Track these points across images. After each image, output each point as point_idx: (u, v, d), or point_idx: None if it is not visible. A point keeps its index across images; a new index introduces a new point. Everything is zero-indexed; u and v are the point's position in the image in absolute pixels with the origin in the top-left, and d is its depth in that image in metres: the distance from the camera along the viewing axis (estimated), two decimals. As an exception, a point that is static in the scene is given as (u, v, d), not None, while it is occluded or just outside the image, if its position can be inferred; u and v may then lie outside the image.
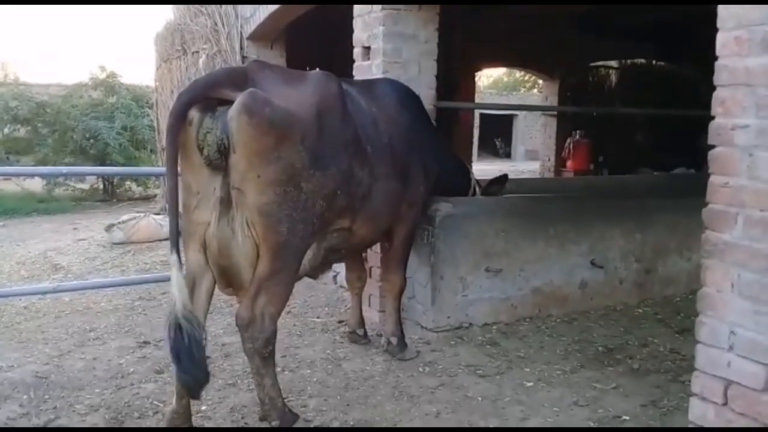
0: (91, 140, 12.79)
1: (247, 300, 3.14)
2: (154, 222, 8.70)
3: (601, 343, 4.51)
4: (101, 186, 13.87)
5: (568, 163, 12.52)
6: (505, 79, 38.42)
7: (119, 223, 8.47)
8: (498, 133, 29.84)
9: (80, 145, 12.82)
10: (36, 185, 13.14)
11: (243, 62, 6.97)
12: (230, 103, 2.93)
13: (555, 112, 13.26)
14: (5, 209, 11.48)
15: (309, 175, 3.10)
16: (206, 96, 2.96)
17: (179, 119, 2.90)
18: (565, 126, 13.00)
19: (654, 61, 14.11)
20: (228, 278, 3.17)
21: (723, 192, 2.58)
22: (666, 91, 12.99)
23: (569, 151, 12.51)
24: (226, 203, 3.03)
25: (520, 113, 28.72)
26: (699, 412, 2.67)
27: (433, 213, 4.49)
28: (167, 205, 3.00)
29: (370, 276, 4.69)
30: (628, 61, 14.18)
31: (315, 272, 3.69)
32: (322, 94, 3.25)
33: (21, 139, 13.63)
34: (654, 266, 5.44)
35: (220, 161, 2.96)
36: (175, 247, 2.97)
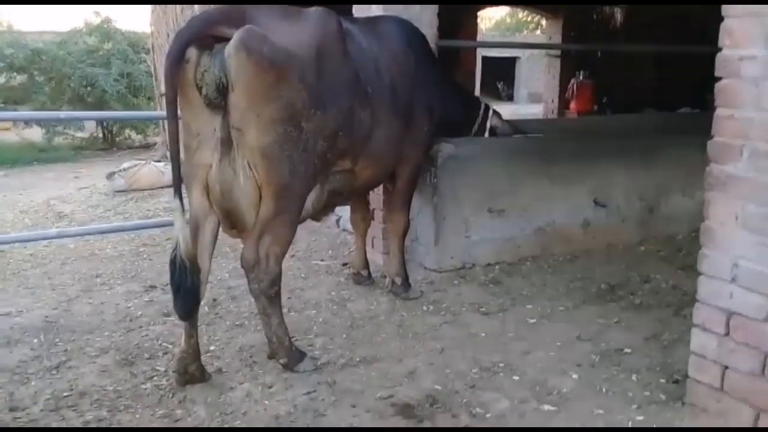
0: (89, 87, 12.62)
1: (252, 241, 3.16)
2: (155, 169, 8.67)
3: (604, 280, 4.55)
4: (101, 134, 13.75)
5: (572, 105, 12.40)
6: (508, 20, 37.63)
7: (120, 170, 8.44)
8: (500, 75, 29.40)
9: (77, 92, 12.66)
10: (36, 134, 13.04)
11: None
12: (227, 40, 2.89)
13: (558, 53, 13.03)
14: (6, 159, 11.41)
15: (309, 114, 3.08)
16: (204, 34, 2.91)
17: (177, 59, 2.86)
18: (569, 67, 12.80)
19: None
20: (232, 220, 3.18)
21: (728, 124, 2.56)
22: (672, 29, 12.74)
23: (572, 92, 12.37)
24: (227, 144, 3.02)
25: (523, 56, 28.24)
26: (701, 342, 2.72)
27: (436, 153, 4.47)
28: (168, 151, 2.98)
29: (373, 218, 4.69)
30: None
31: (318, 215, 3.70)
32: (321, 32, 3.19)
33: (17, 88, 13.44)
34: (657, 204, 5.45)
35: (219, 100, 2.93)
36: (178, 191, 2.97)
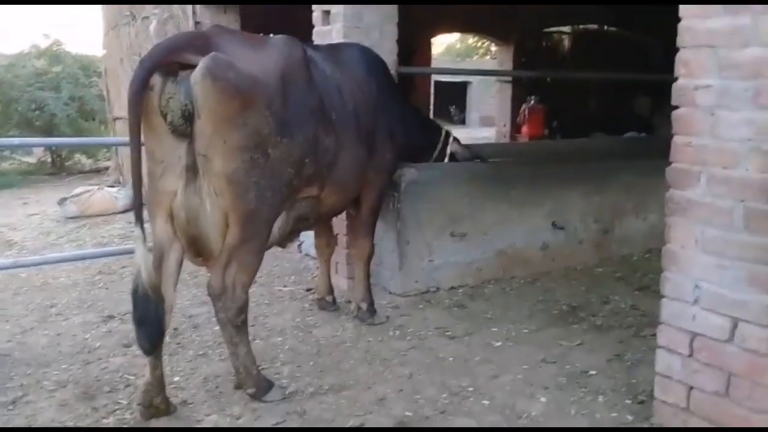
0: (37, 111, 12.34)
1: (218, 269, 3.12)
2: (108, 195, 8.51)
3: (565, 302, 4.63)
4: (49, 159, 13.43)
5: (523, 129, 12.65)
6: (458, 45, 38.34)
7: (72, 196, 8.26)
8: (452, 100, 29.86)
9: (25, 116, 12.36)
10: (-22, 160, 12.67)
11: (196, 28, 6.79)
12: (192, 67, 2.87)
13: (510, 78, 13.33)
14: (-52, 185, 11.05)
15: (276, 141, 3.08)
16: (168, 61, 2.88)
17: (141, 86, 2.82)
18: (520, 92, 13.10)
19: (606, 27, 14.27)
20: (197, 248, 3.14)
21: (686, 151, 2.65)
22: (617, 56, 13.19)
23: (524, 117, 12.63)
24: (192, 171, 2.98)
25: (474, 80, 28.79)
26: (665, 363, 2.79)
27: (399, 179, 4.51)
28: (131, 176, 2.93)
29: (337, 243, 4.69)
30: (581, 27, 14.31)
31: (284, 241, 3.68)
32: (286, 60, 3.21)
33: (-37, 112, 13.07)
34: (611, 227, 5.59)
35: (184, 127, 2.90)
36: (140, 219, 2.92)
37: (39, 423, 3.15)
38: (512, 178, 5.06)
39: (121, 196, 8.55)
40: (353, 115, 3.70)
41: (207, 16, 6.84)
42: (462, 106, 31.19)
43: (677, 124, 2.68)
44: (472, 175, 4.87)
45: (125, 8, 8.44)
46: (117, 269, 5.75)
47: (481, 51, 35.07)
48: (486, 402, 3.27)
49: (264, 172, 3.05)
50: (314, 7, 4.93)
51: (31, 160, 13.41)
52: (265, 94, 3.00)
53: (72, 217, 8.08)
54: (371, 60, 4.18)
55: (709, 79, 2.53)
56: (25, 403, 3.35)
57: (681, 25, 2.63)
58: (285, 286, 5.14)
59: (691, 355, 2.66)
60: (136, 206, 2.93)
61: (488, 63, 30.68)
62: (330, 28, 4.75)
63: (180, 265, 3.18)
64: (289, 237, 3.69)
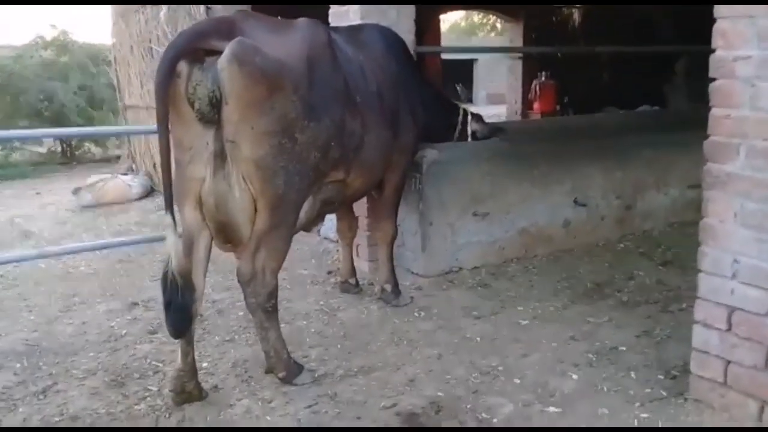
0: (46, 102, 12.31)
1: (248, 255, 3.11)
2: (123, 183, 8.50)
3: (589, 279, 4.61)
4: (59, 149, 13.43)
5: (535, 105, 12.58)
6: (462, 23, 38.03)
7: (87, 185, 8.24)
8: (459, 78, 29.64)
9: (35, 107, 12.33)
10: (-11, 151, 12.66)
11: (207, 14, 6.71)
12: (218, 53, 2.83)
13: (520, 55, 13.20)
14: (-41, 177, 11.07)
15: (303, 125, 3.04)
16: (194, 47, 2.85)
17: (168, 74, 2.78)
18: (531, 68, 12.98)
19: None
20: (226, 234, 3.12)
21: (725, 124, 2.60)
22: (626, 30, 13.03)
23: (536, 93, 12.53)
24: (220, 157, 2.95)
25: (481, 58, 28.53)
26: (702, 338, 2.76)
27: (420, 159, 4.47)
28: (161, 164, 2.90)
29: (358, 226, 4.66)
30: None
31: (309, 225, 3.65)
32: (311, 43, 3.16)
33: (-28, 105, 13.05)
34: (633, 202, 5.54)
35: (212, 114, 2.87)
36: (170, 206, 2.90)
37: (71, 411, 3.16)
38: (533, 155, 5.01)
39: (135, 184, 8.54)
40: (377, 96, 3.66)
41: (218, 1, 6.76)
42: (468, 84, 30.95)
43: (715, 96, 2.63)
44: (493, 153, 4.82)
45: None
46: (136, 257, 5.74)
47: (487, 28, 34.79)
48: (517, 381, 3.26)
49: (292, 157, 3.02)
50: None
51: (42, 150, 13.39)
52: (291, 78, 2.96)
53: (87, 206, 8.07)
54: (392, 40, 4.13)
55: (749, 50, 2.47)
56: (55, 392, 3.37)
57: (717, -5, 2.57)
58: (306, 270, 5.12)
59: (729, 330, 2.64)
60: (166, 193, 2.90)
61: (494, 40, 30.46)
62: (347, 8, 4.69)
63: (209, 251, 3.16)
64: (314, 221, 3.67)
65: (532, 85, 12.73)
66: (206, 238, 3.12)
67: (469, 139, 4.74)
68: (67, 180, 10.87)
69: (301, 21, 3.25)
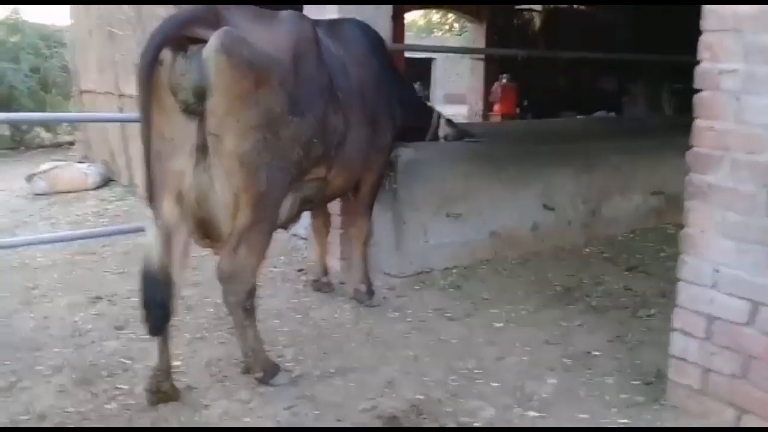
0: (-6, 83, 11.82)
1: (228, 252, 3.04)
2: (78, 171, 8.26)
3: (558, 283, 4.67)
4: (8, 133, 12.92)
5: (496, 107, 12.69)
6: (420, 22, 38.14)
7: (40, 172, 7.96)
8: (417, 76, 29.72)
9: (-18, 88, 11.83)
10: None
11: None
12: (202, 42, 2.75)
13: (482, 56, 13.31)
14: None
15: (287, 120, 2.99)
16: (179, 35, 2.76)
17: (152, 61, 2.69)
18: (492, 70, 13.10)
19: (575, 6, 14.35)
20: (206, 230, 3.05)
21: (708, 135, 2.66)
22: (585, 35, 13.29)
23: (497, 95, 12.65)
24: (202, 150, 2.88)
25: (439, 57, 28.65)
26: (680, 346, 2.82)
27: (395, 158, 4.45)
28: (143, 155, 2.80)
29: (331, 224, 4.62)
30: (551, 6, 14.35)
31: (287, 223, 3.59)
32: (297, 36, 3.11)
33: None
34: (598, 207, 5.64)
35: (195, 105, 2.79)
36: (151, 200, 2.82)
37: (38, 409, 3.04)
38: (504, 158, 5.06)
39: (92, 172, 8.30)
40: (359, 94, 3.62)
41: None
42: (426, 83, 31.08)
43: (699, 108, 2.69)
44: (467, 155, 4.84)
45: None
46: (97, 249, 5.57)
47: (445, 27, 34.97)
48: (495, 384, 3.27)
49: (275, 153, 2.96)
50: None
51: (-11, 133, 12.90)
52: (278, 72, 2.91)
53: (40, 194, 7.81)
54: (372, 37, 4.09)
55: (735, 64, 2.53)
56: (20, 389, 3.24)
57: (706, 8, 2.63)
58: (275, 267, 5.05)
59: (708, 338, 2.70)
60: (148, 186, 2.81)
61: (453, 39, 30.66)
62: (324, 6, 4.62)
63: (188, 247, 3.08)
64: (293, 219, 3.61)
65: (493, 87, 12.85)
66: (184, 234, 3.03)
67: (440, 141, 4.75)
68: (16, 165, 10.48)
69: (286, 13, 3.19)
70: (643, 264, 5.08)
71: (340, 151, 3.48)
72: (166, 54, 2.74)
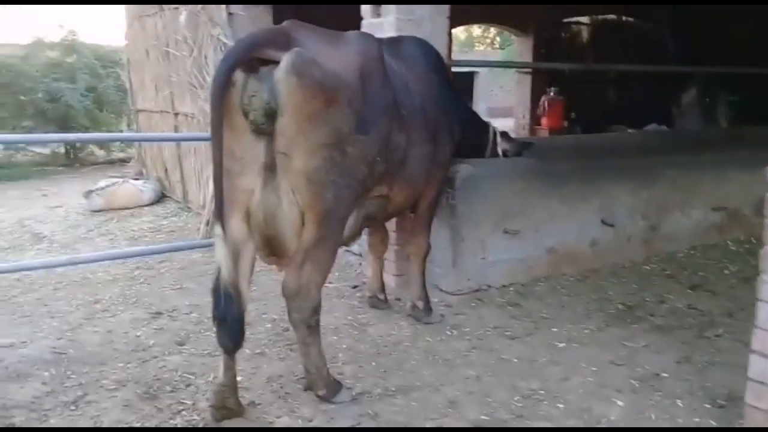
0: (52, 103, 12.17)
1: (293, 269, 3.05)
2: (134, 188, 8.43)
3: (620, 301, 4.56)
4: (63, 150, 13.32)
5: (543, 121, 12.55)
6: (462, 37, 38.14)
7: (98, 189, 8.15)
8: (459, 91, 29.63)
9: (40, 108, 12.20)
10: (-8, 151, 12.52)
11: (229, 18, 6.66)
12: (273, 63, 2.79)
13: (529, 69, 13.22)
14: (-37, 177, 10.94)
15: (354, 139, 3.00)
16: (251, 56, 2.80)
17: (225, 83, 2.73)
18: (540, 83, 12.98)
19: (623, 18, 14.15)
20: (272, 247, 3.07)
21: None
22: (634, 47, 13.08)
23: (544, 108, 12.52)
24: (270, 169, 2.90)
25: (482, 71, 28.54)
26: (759, 368, 2.71)
27: (454, 174, 4.42)
28: (213, 174, 2.84)
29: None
30: (599, 17, 14.18)
31: (349, 240, 3.59)
32: (364, 56, 3.12)
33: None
34: (658, 223, 5.51)
35: (266, 125, 2.82)
36: (221, 217, 2.85)
37: (105, 424, 3.10)
38: (563, 173, 4.98)
39: (147, 189, 8.47)
40: (420, 111, 3.62)
41: (240, 6, 6.72)
42: (469, 97, 30.99)
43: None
44: (525, 170, 4.78)
45: (151, -1, 8.31)
46: (154, 264, 5.67)
47: (487, 41, 34.91)
48: (561, 405, 3.21)
49: (341, 171, 2.98)
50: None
51: (45, 151, 13.30)
52: (347, 91, 2.93)
53: (97, 210, 8.00)
54: (431, 54, 4.09)
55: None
56: (86, 403, 3.30)
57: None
58: (330, 283, 5.04)
59: (790, 361, 2.59)
60: (217, 204, 2.84)
61: (494, 54, 30.55)
62: (381, 20, 4.64)
63: (253, 264, 3.11)
64: (355, 237, 3.61)
65: (541, 101, 12.72)
66: (251, 251, 3.07)
67: (500, 156, 4.70)
68: (72, 182, 10.79)
69: (353, 33, 3.22)
70: (706, 282, 4.94)
71: (403, 168, 3.48)
72: (238, 75, 2.78)
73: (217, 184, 2.82)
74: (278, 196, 2.92)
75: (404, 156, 3.45)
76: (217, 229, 2.83)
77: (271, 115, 2.79)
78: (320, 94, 2.81)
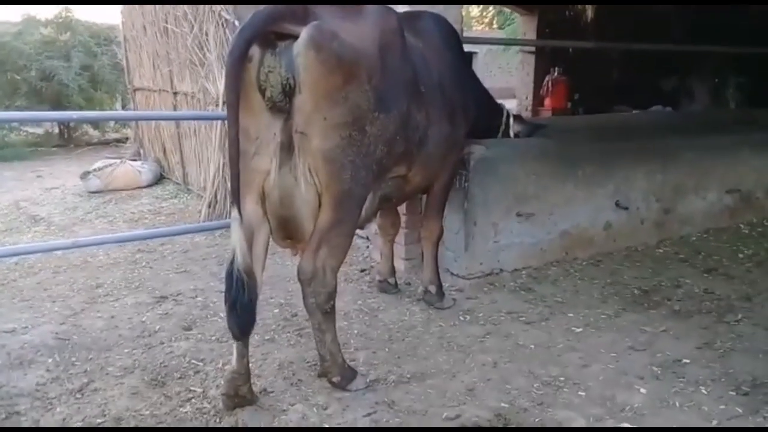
0: (45, 81, 11.92)
1: (309, 253, 2.94)
2: (132, 169, 8.28)
3: (635, 285, 4.47)
4: (57, 130, 13.09)
5: (546, 101, 12.36)
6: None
7: (95, 170, 8.00)
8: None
9: (34, 86, 11.95)
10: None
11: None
12: (290, 38, 2.65)
13: (533, 49, 13.00)
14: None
15: (373, 117, 2.88)
16: (267, 31, 2.65)
17: (241, 58, 2.59)
18: (543, 63, 12.78)
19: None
20: (288, 230, 2.96)
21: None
22: (639, 28, 12.88)
23: (547, 89, 12.33)
24: (287, 149, 2.78)
25: (480, 51, 28.30)
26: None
27: (467, 156, 4.29)
28: (228, 154, 2.70)
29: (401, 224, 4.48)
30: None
31: (365, 222, 3.47)
32: (383, 29, 2.98)
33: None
34: (673, 206, 5.41)
35: (283, 103, 2.69)
36: (236, 201, 2.72)
37: (113, 412, 2.99)
38: (578, 156, 4.86)
39: (145, 170, 8.32)
40: (438, 88, 3.48)
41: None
42: (468, 78, 30.71)
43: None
44: (539, 153, 4.66)
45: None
46: (156, 247, 5.55)
47: (485, 20, 34.58)
48: (582, 393, 3.12)
49: (360, 150, 2.85)
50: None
51: (38, 131, 13.08)
52: (366, 67, 2.79)
53: (95, 192, 7.85)
54: (448, 30, 3.96)
55: None
56: (93, 390, 3.20)
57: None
58: (338, 267, 4.94)
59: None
60: (233, 187, 2.72)
61: (492, 34, 30.24)
62: (393, -5, 4.47)
63: (267, 247, 3.00)
64: (370, 218, 3.49)
65: (544, 81, 12.52)
66: (265, 234, 2.96)
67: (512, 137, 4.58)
68: (66, 163, 10.63)
69: (372, 6, 3.06)
70: (721, 266, 4.85)
71: (422, 148, 3.35)
72: (255, 50, 2.64)
73: (234, 165, 2.68)
74: (295, 176, 2.80)
75: (423, 135, 3.33)
76: (234, 213, 2.70)
77: (289, 92, 2.65)
78: (339, 69, 2.68)
